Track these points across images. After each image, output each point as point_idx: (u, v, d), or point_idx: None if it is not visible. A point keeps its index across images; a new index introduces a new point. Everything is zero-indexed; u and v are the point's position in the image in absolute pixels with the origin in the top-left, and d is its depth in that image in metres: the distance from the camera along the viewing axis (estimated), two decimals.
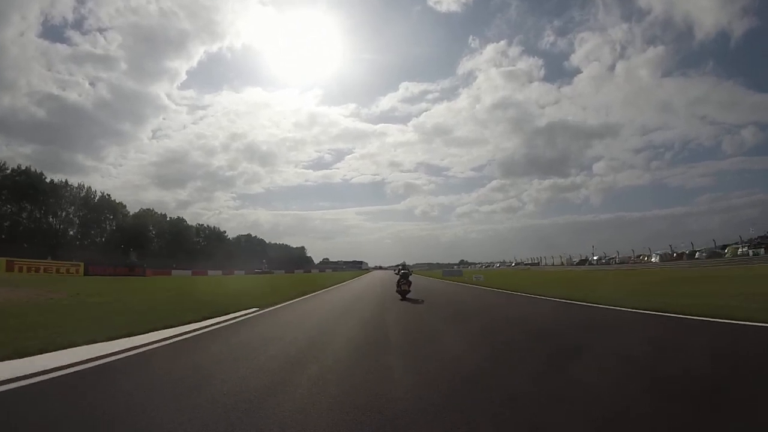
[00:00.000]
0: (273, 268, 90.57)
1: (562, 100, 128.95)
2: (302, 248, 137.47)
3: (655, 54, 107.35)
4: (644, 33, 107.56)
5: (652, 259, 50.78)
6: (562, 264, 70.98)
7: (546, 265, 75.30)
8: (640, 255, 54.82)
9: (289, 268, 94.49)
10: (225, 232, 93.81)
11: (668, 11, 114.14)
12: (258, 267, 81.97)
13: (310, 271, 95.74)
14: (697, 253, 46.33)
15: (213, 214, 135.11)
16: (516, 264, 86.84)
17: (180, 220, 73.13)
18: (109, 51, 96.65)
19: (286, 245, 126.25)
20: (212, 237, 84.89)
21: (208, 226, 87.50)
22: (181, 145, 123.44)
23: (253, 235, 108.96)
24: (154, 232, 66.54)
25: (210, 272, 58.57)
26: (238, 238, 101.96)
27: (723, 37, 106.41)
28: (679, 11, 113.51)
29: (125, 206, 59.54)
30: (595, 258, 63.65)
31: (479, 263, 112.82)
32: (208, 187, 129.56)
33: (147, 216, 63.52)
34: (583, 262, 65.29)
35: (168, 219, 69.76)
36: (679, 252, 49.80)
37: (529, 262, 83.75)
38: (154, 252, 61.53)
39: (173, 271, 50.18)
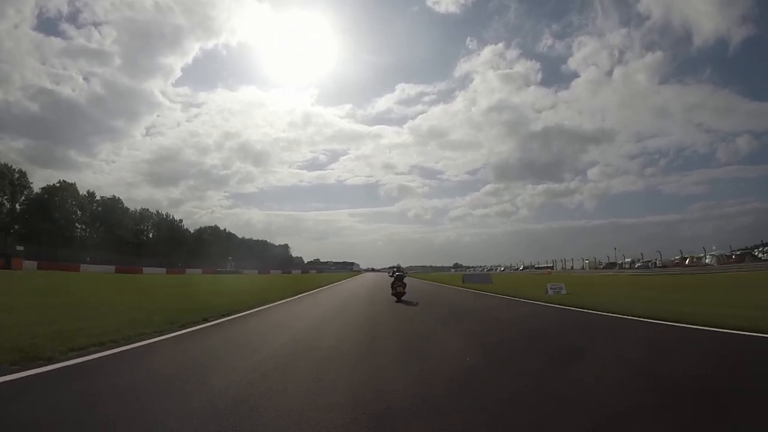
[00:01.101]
0: (247, 267, 76.38)
1: (559, 104, 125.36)
2: (285, 246, 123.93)
3: (653, 60, 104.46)
4: (643, 38, 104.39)
5: (707, 261, 41.52)
6: (584, 268, 61.14)
7: (565, 269, 65.08)
8: (688, 256, 45.15)
9: (266, 268, 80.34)
10: (181, 221, 79.04)
11: (667, 16, 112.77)
12: (222, 266, 67.99)
13: (290, 272, 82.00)
14: (758, 253, 37.30)
15: (205, 213, 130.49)
16: (524, 268, 76.03)
17: (114, 201, 57.75)
18: (103, 46, 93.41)
19: (265, 241, 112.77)
20: (162, 226, 70.42)
21: (157, 212, 72.73)
22: (175, 142, 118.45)
23: (221, 228, 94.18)
24: (79, 214, 51.34)
25: (149, 270, 44.76)
26: (200, 231, 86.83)
27: (721, 45, 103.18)
28: (678, 17, 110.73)
29: (26, 175, 44.26)
30: (627, 261, 53.68)
31: (479, 266, 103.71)
32: (201, 185, 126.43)
33: (61, 192, 47.95)
34: (612, 265, 55.74)
35: (98, 199, 54.69)
36: (739, 253, 40.99)
37: (545, 265, 73.40)
38: (77, 240, 46.90)
39: (86, 267, 36.15)
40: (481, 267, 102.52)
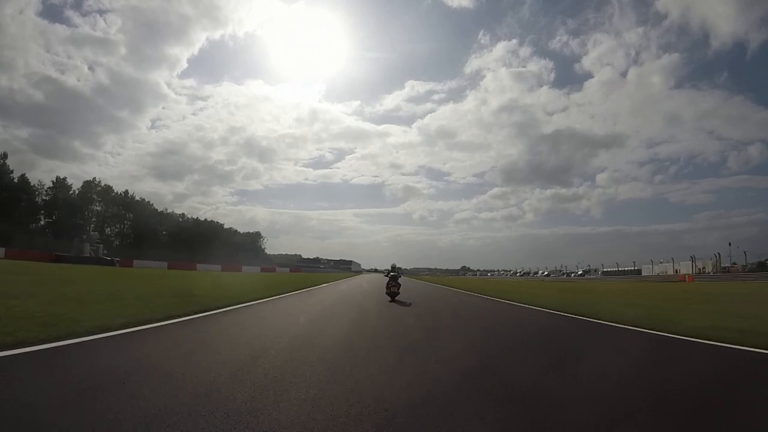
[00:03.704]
0: (156, 257, 47.17)
1: (571, 107, 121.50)
2: (255, 234, 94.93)
3: (669, 61, 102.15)
4: (660, 39, 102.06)
5: None
6: (703, 270, 40.06)
7: (662, 274, 43.04)
8: None
9: (193, 260, 51.56)
10: (16, 173, 49.03)
11: (685, 16, 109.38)
12: (89, 250, 38.20)
13: (240, 269, 53.17)
14: None
15: (210, 209, 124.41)
16: (584, 272, 53.09)
17: None
18: (108, 34, 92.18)
19: (215, 223, 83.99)
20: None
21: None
22: (180, 136, 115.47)
23: (117, 192, 64.09)
24: None
25: None
26: (58, 183, 57.47)
27: (738, 48, 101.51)
28: (697, 17, 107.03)
29: None
30: None
31: (496, 271, 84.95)
32: (206, 181, 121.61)
33: None
34: (763, 266, 35.14)
35: None
36: None
37: (616, 269, 51.02)
38: None
39: None
40: (508, 272, 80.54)
